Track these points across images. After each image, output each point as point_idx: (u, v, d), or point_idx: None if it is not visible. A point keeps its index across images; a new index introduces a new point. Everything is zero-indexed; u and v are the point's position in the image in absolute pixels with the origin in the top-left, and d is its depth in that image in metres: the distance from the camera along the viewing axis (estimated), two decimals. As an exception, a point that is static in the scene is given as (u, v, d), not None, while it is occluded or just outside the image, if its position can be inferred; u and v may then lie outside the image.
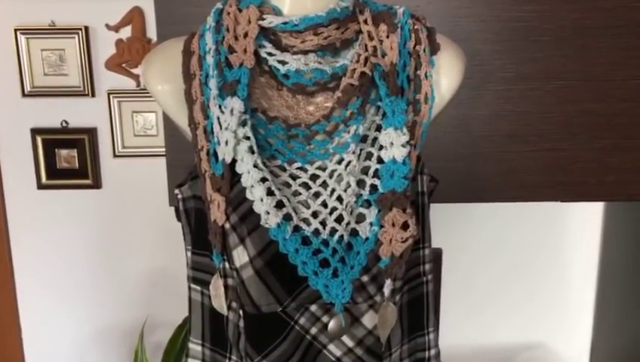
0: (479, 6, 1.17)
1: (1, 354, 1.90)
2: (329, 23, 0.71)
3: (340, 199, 0.69)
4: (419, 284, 0.82)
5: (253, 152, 0.67)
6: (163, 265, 1.85)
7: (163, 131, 1.49)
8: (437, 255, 1.44)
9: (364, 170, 0.70)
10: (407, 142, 0.69)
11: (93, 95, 1.72)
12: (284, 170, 0.71)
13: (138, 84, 1.72)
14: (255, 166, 0.67)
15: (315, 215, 0.68)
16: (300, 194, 0.69)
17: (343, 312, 0.70)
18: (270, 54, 0.71)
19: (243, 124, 0.68)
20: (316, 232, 0.68)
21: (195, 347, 0.82)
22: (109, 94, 1.72)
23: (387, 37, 0.73)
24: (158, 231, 1.82)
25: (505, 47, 1.18)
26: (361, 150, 0.71)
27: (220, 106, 0.69)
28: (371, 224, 0.69)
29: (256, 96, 0.73)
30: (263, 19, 0.71)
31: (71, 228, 1.82)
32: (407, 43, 0.74)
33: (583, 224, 1.85)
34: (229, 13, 0.73)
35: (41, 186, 1.78)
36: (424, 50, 0.75)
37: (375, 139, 0.71)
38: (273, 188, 0.67)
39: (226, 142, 0.67)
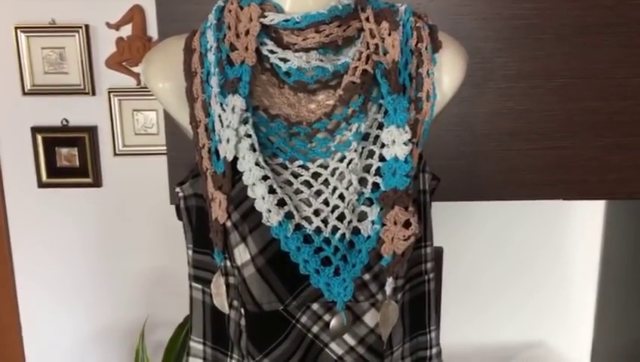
0: (481, 4, 1.17)
1: (1, 354, 1.90)
2: (331, 20, 0.71)
3: (341, 197, 0.68)
4: (420, 283, 0.81)
5: (254, 150, 0.67)
6: (164, 263, 1.84)
7: (164, 129, 1.49)
8: (438, 253, 1.43)
9: (366, 168, 0.70)
10: (409, 140, 0.69)
11: (93, 93, 1.72)
12: (286, 168, 0.70)
13: (138, 83, 1.72)
14: (256, 164, 0.67)
15: (316, 213, 0.68)
16: (302, 192, 0.69)
17: (345, 311, 0.70)
18: (272, 52, 0.71)
19: (244, 121, 0.68)
20: (318, 230, 0.67)
21: (196, 345, 0.82)
22: (109, 93, 1.72)
23: (389, 35, 0.73)
24: (158, 229, 1.82)
25: (506, 44, 1.18)
26: (362, 148, 0.71)
27: (221, 104, 0.69)
28: (373, 222, 0.68)
29: (258, 93, 0.73)
30: (265, 16, 0.71)
31: (71, 226, 1.82)
32: (409, 41, 0.74)
33: (584, 222, 1.85)
34: (230, 11, 0.73)
35: (41, 185, 1.78)
36: (426, 48, 0.74)
37: (377, 137, 0.71)
38: (275, 186, 0.66)
39: (228, 140, 0.67)
